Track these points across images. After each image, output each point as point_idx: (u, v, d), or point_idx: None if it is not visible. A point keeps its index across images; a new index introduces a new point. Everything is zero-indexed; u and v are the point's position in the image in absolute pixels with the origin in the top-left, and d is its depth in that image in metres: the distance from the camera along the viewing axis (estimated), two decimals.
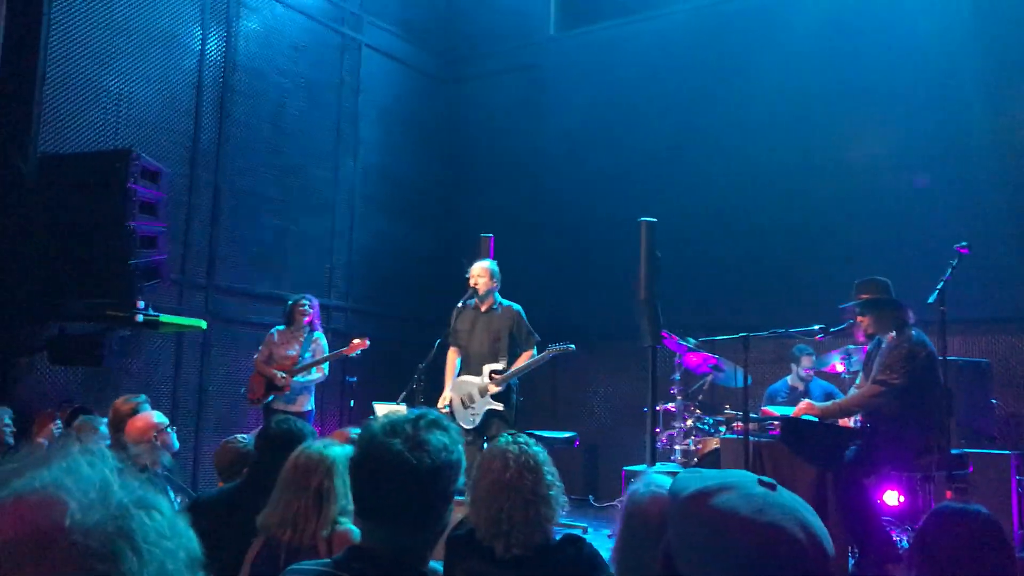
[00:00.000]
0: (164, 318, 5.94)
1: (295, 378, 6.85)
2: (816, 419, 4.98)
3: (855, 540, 4.68)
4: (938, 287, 4.90)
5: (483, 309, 6.36)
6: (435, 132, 10.64)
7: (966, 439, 5.76)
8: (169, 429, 4.13)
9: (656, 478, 2.29)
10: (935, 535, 2.30)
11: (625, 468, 6.31)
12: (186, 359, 7.48)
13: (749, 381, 5.43)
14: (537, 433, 5.93)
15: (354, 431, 3.44)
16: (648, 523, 2.11)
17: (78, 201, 5.67)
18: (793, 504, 1.13)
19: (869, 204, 7.93)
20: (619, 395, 9.07)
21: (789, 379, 7.17)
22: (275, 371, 6.82)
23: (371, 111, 9.67)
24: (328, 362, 7.02)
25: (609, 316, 8.73)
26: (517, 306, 6.37)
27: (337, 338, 7.67)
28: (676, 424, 7.26)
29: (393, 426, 1.69)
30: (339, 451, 2.77)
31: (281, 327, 7.07)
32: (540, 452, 2.51)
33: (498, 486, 2.40)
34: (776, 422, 5.36)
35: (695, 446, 7.06)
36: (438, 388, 6.45)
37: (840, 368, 6.74)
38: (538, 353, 6.22)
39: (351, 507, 2.49)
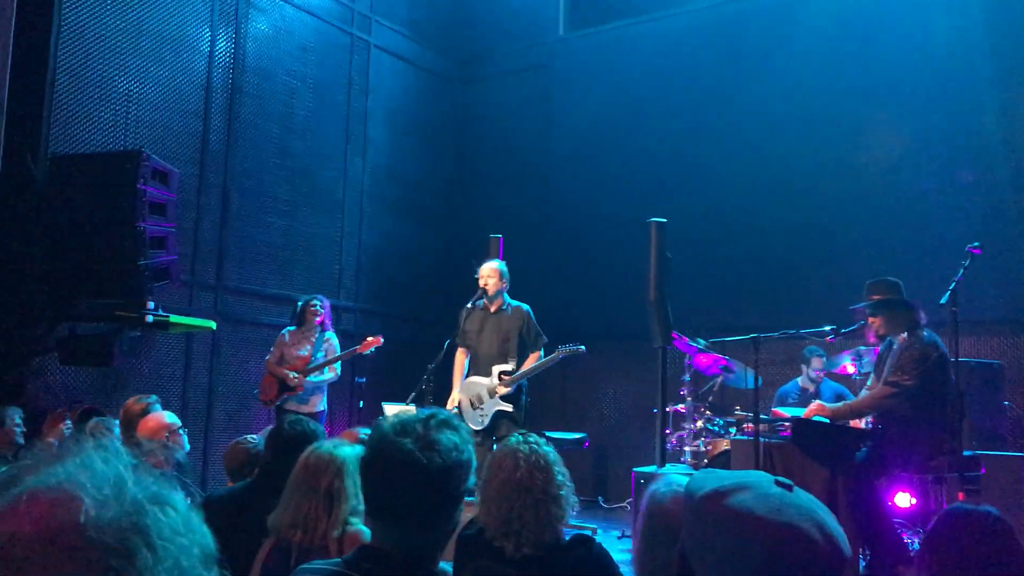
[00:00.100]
0: (174, 319, 5.96)
1: (308, 378, 6.86)
2: (827, 420, 4.96)
3: (866, 542, 4.66)
4: (950, 288, 4.88)
5: (492, 310, 6.34)
6: (444, 133, 10.65)
7: (978, 441, 5.73)
8: (181, 431, 4.14)
9: (676, 478, 2.27)
10: (946, 536, 2.29)
11: (634, 469, 6.29)
12: (196, 360, 7.50)
13: (759, 382, 5.42)
14: (546, 434, 5.92)
15: (363, 431, 3.44)
16: (670, 524, 2.09)
17: (88, 202, 5.68)
18: (810, 505, 1.12)
19: (881, 204, 7.88)
20: (628, 396, 9.04)
21: (800, 380, 7.15)
22: (287, 371, 6.83)
23: (380, 112, 9.68)
24: (340, 361, 7.03)
25: (619, 317, 8.72)
26: (526, 307, 6.36)
27: (346, 339, 7.67)
28: (686, 425, 7.25)
29: (404, 426, 1.69)
30: (349, 451, 2.76)
31: (292, 328, 7.08)
32: (551, 452, 2.51)
33: (509, 486, 2.40)
34: (787, 423, 5.34)
35: (705, 447, 7.05)
36: (447, 389, 6.44)
37: (851, 369, 6.71)
38: (544, 355, 6.21)
39: (362, 507, 2.49)
